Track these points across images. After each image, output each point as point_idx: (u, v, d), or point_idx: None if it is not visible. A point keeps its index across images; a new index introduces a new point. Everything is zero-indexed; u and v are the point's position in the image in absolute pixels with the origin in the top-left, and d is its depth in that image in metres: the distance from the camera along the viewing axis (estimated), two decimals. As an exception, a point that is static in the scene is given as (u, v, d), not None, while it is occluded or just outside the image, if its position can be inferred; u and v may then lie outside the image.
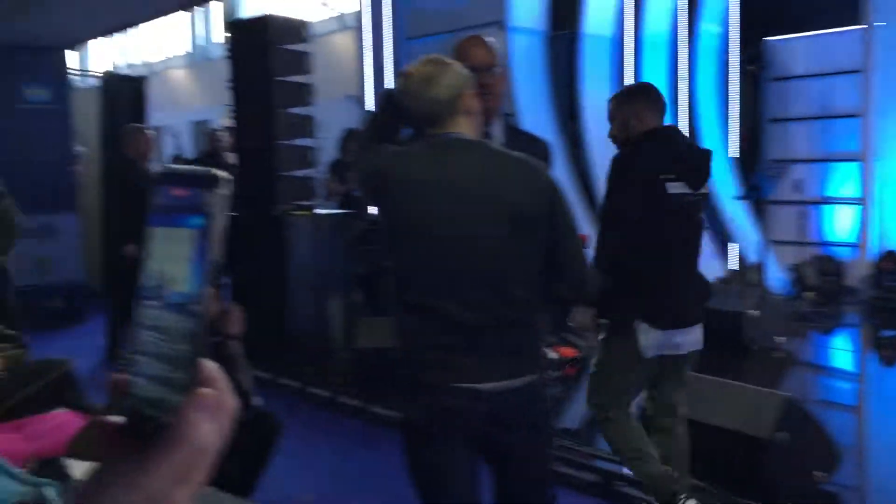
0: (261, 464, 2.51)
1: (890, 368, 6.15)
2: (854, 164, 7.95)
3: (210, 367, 0.59)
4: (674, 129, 3.14)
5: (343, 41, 11.08)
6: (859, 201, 7.87)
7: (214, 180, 0.57)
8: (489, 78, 2.30)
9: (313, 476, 4.08)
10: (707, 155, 2.96)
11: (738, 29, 8.72)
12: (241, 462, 2.40)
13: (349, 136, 7.91)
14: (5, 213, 5.90)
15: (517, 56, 7.30)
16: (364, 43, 7.69)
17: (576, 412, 4.96)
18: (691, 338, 2.92)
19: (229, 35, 6.18)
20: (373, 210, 6.95)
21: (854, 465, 3.88)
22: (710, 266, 8.01)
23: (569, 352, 5.69)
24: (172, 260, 0.57)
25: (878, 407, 5.14)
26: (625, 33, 7.85)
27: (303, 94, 5.98)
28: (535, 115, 7.20)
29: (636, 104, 2.97)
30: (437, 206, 2.00)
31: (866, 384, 5.68)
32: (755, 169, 8.15)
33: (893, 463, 4.01)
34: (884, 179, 7.77)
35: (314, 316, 5.83)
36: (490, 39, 2.43)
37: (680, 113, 8.49)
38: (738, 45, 8.77)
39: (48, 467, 2.41)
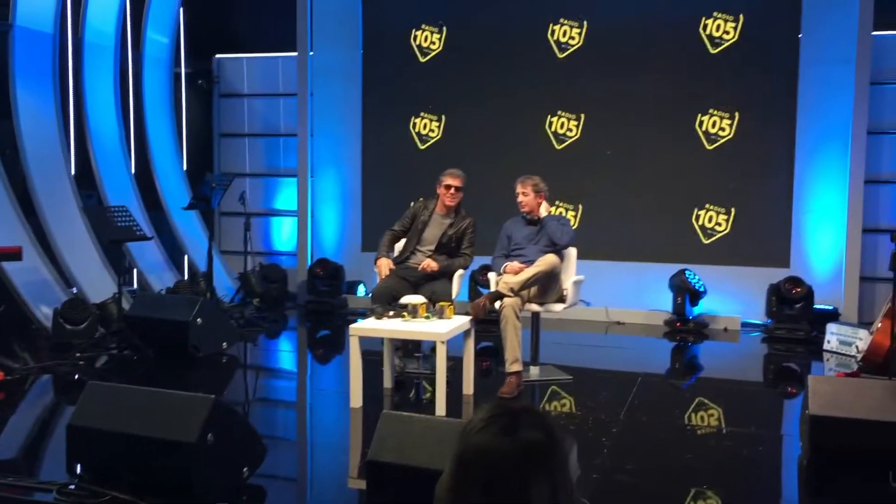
0: None
1: (323, 365, 6.81)
2: (293, 180, 8.66)
3: None
4: None
5: None
6: (297, 214, 8.60)
7: None
8: None
9: None
10: None
11: (186, 43, 8.87)
12: None
13: None
14: None
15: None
16: None
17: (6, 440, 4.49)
18: None
19: None
20: None
21: (287, 456, 4.18)
22: (163, 276, 7.99)
23: (-3, 375, 5.14)
24: None
25: (313, 401, 5.63)
26: (66, 31, 7.40)
27: None
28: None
29: None
30: None
31: (304, 381, 6.19)
32: (205, 181, 8.37)
33: (323, 451, 4.43)
34: (316, 194, 8.62)
35: None
36: None
37: (132, 123, 8.29)
38: (185, 58, 8.91)
39: None
